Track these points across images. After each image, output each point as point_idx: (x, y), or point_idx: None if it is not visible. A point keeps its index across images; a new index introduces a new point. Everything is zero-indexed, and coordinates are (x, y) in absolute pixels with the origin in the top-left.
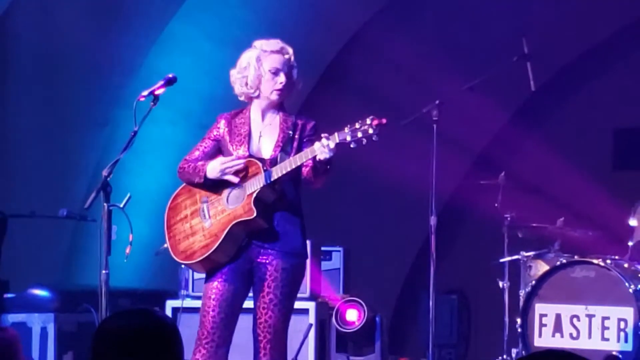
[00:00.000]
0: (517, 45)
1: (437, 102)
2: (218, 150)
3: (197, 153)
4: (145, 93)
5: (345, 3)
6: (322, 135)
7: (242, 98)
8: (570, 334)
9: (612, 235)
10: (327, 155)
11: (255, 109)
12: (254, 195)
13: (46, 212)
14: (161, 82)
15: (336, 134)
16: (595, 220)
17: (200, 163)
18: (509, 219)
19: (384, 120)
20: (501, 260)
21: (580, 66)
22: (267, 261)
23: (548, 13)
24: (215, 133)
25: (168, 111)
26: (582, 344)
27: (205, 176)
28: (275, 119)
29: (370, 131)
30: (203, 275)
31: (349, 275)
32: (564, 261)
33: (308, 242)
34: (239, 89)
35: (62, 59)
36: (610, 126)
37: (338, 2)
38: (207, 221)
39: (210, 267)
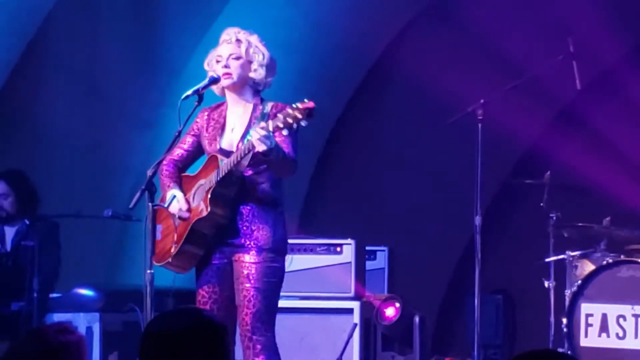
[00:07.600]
0: (563, 44)
1: (482, 101)
2: (199, 145)
3: (178, 151)
4: (189, 92)
5: (389, 3)
6: (259, 125)
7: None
8: (617, 334)
9: None
10: (265, 147)
11: (230, 101)
12: (210, 191)
13: (91, 212)
14: (205, 82)
15: (270, 121)
16: None
17: (167, 184)
18: (554, 218)
19: (312, 104)
20: (547, 259)
21: (625, 65)
22: (241, 258)
23: (593, 12)
24: (195, 128)
25: None
26: (629, 344)
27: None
28: (248, 109)
29: (299, 116)
30: None
31: (393, 275)
32: (610, 261)
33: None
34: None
35: (106, 60)
36: None
37: (382, 2)
38: (177, 220)
39: (182, 267)
